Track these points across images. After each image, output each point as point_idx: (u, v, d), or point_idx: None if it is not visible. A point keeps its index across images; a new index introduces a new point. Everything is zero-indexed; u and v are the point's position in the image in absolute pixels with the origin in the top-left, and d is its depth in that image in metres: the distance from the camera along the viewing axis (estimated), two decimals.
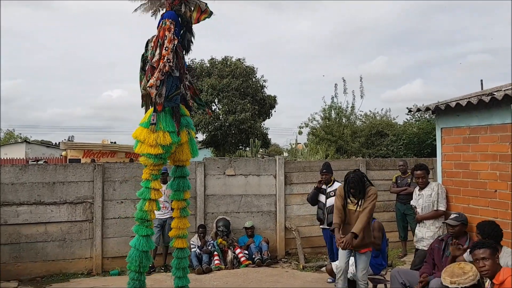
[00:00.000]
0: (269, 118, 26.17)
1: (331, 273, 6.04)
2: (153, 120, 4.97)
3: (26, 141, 34.47)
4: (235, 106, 23.20)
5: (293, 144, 23.56)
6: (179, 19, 5.12)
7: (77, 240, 7.87)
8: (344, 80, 19.60)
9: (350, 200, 5.20)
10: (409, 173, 8.76)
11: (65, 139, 29.87)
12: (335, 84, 19.69)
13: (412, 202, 6.08)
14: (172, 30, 4.99)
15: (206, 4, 5.30)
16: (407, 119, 21.30)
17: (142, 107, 5.47)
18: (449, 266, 4.40)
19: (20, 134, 46.25)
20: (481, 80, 11.72)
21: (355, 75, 46.12)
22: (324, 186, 7.23)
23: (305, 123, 20.71)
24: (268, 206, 8.92)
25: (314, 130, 20.08)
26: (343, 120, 19.89)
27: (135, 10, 5.46)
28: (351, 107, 19.84)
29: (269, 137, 26.65)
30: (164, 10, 5.35)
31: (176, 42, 5.02)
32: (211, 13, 5.33)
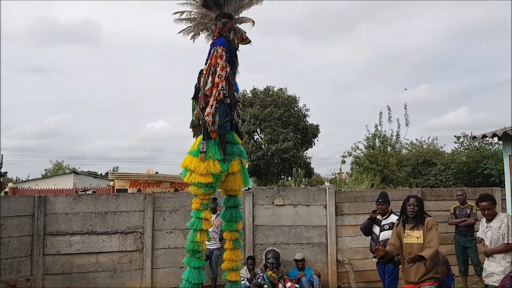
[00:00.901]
0: (311, 147, 26.03)
1: None
2: (203, 148, 4.92)
3: (74, 171, 35.62)
4: (278, 136, 23.17)
5: (336, 173, 23.18)
6: (228, 46, 5.14)
7: (127, 270, 7.85)
8: (388, 108, 19.18)
9: (406, 232, 4.91)
10: (468, 203, 8.33)
11: (110, 170, 30.67)
12: (380, 112, 19.26)
13: (478, 234, 5.68)
14: (224, 57, 5.00)
15: (245, 32, 5.37)
16: (455, 148, 20.61)
17: (193, 137, 5.45)
18: None
19: (68, 165, 47.98)
20: None
21: (396, 103, 45.50)
22: (379, 217, 6.87)
23: (348, 152, 20.32)
24: (319, 237, 8.64)
25: (358, 159, 19.67)
26: (388, 149, 19.39)
27: (179, 32, 5.53)
28: (396, 135, 19.34)
29: (311, 166, 26.38)
30: (208, 35, 5.41)
31: (228, 69, 5.02)
32: (249, 41, 5.37)
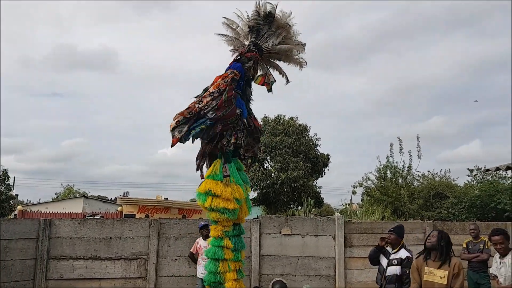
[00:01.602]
0: (322, 176, 25.80)
1: None
2: (226, 172, 4.79)
3: (84, 196, 35.67)
4: (288, 164, 23.06)
5: (347, 204, 22.88)
6: (245, 73, 5.09)
7: None
8: (400, 139, 19.05)
9: (428, 268, 4.67)
10: (481, 238, 8.08)
11: (120, 195, 30.64)
12: (391, 144, 19.17)
13: (491, 271, 5.47)
14: (229, 78, 4.92)
15: (274, 81, 5.33)
16: (468, 181, 20.30)
17: (197, 170, 5.34)
18: None
19: (79, 189, 48.14)
20: None
21: (408, 134, 45.12)
22: (389, 249, 6.55)
23: (359, 183, 20.14)
24: (327, 269, 8.41)
25: (369, 190, 19.46)
26: (400, 180, 19.17)
27: (221, 35, 5.50)
28: (408, 167, 19.13)
29: (321, 196, 26.11)
30: (233, 50, 5.38)
31: (226, 89, 4.91)
32: (269, 90, 5.32)
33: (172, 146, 4.78)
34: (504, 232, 5.28)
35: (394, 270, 6.12)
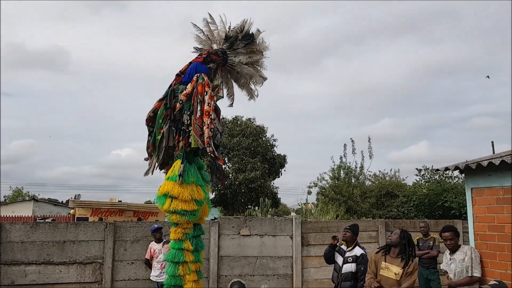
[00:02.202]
0: (278, 177, 26.03)
1: None
2: (180, 171, 4.71)
3: (34, 199, 34.26)
4: (245, 165, 23.12)
5: (303, 203, 23.21)
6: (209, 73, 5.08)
7: None
8: (352, 141, 19.56)
9: (385, 263, 4.84)
10: (431, 235, 8.44)
11: (71, 198, 29.62)
12: (344, 144, 19.64)
13: (442, 267, 5.73)
14: (211, 86, 4.91)
15: (222, 97, 5.34)
16: (416, 180, 21.08)
17: (148, 159, 5.25)
18: None
19: (28, 192, 46.16)
20: (492, 142, 11.36)
21: (360, 136, 46.41)
22: (343, 247, 6.71)
23: (314, 183, 20.49)
24: (284, 268, 8.54)
25: (323, 190, 19.83)
26: (352, 180, 19.68)
27: (197, 27, 5.42)
28: (360, 167, 19.69)
29: (278, 196, 26.34)
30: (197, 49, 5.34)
31: (216, 98, 4.92)
32: (218, 98, 5.32)
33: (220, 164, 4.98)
34: (454, 229, 5.54)
35: (349, 267, 6.28)
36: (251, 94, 5.51)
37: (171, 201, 4.70)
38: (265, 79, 5.45)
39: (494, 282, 4.74)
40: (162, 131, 5.07)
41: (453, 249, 5.47)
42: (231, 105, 5.62)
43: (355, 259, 6.28)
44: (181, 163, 4.82)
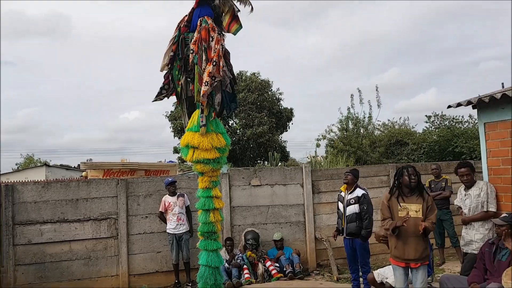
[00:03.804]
0: (286, 131, 25.94)
1: (374, 282, 5.68)
2: (202, 121, 4.66)
3: (46, 164, 34.70)
4: (253, 120, 23.03)
5: (312, 156, 23.22)
6: (214, 14, 4.84)
7: (102, 257, 7.64)
8: (359, 91, 19.28)
9: (401, 205, 4.72)
10: (443, 176, 8.41)
11: (82, 162, 29.86)
12: (351, 95, 19.38)
13: (456, 202, 5.69)
14: (216, 29, 4.69)
15: (239, 10, 4.98)
16: (426, 127, 20.97)
17: (179, 106, 5.13)
18: (509, 268, 4.04)
19: (40, 158, 46.73)
20: (502, 84, 10.84)
21: (367, 87, 45.85)
22: (342, 194, 6.75)
23: (322, 135, 20.43)
24: (296, 216, 8.60)
25: (332, 142, 19.77)
26: (361, 131, 19.55)
27: None
28: (369, 117, 19.50)
29: (287, 150, 26.36)
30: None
31: (223, 42, 4.71)
32: (240, 26, 5.00)
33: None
34: (470, 165, 5.45)
35: (353, 208, 6.39)
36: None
37: (194, 152, 4.68)
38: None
39: (505, 214, 4.71)
40: (180, 82, 4.98)
41: (469, 185, 5.40)
42: (251, 10, 5.12)
43: (357, 200, 6.39)
44: (201, 113, 4.73)
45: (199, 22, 4.71)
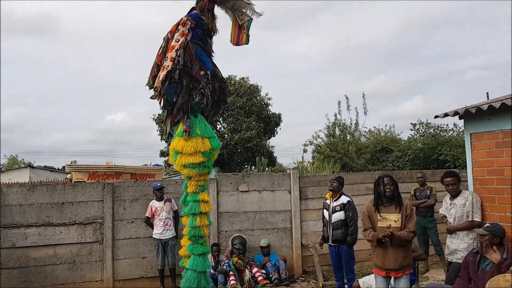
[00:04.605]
0: (274, 136, 25.97)
1: None
2: (185, 125, 4.64)
3: (30, 166, 34.21)
4: (241, 124, 23.03)
5: (298, 162, 23.29)
6: (203, 22, 4.82)
7: (87, 262, 7.56)
8: (347, 97, 19.47)
9: (381, 215, 4.80)
10: (428, 185, 8.51)
11: (68, 164, 29.52)
12: (339, 102, 19.54)
13: (441, 211, 5.76)
14: (188, 25, 4.64)
15: (249, 20, 4.92)
16: (411, 135, 21.16)
17: (155, 98, 5.09)
18: (493, 278, 4.11)
19: (23, 159, 46.05)
20: (487, 93, 10.93)
21: (355, 93, 46.16)
22: (328, 201, 6.81)
23: (309, 141, 20.51)
24: (283, 222, 8.62)
25: (319, 148, 19.86)
26: (348, 137, 19.70)
27: None
28: (355, 123, 19.68)
29: (274, 155, 26.39)
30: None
31: (189, 37, 4.65)
32: (248, 36, 4.98)
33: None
34: (456, 174, 5.54)
35: (338, 215, 6.45)
36: (249, 12, 5.02)
37: (180, 157, 4.67)
38: (259, 14, 5.09)
39: (488, 224, 4.79)
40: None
41: (455, 194, 5.48)
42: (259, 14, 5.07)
43: (343, 207, 6.45)
44: (186, 118, 4.71)
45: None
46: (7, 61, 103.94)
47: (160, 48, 4.61)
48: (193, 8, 4.87)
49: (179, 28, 4.52)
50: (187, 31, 4.52)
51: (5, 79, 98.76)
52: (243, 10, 5.02)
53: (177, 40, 4.45)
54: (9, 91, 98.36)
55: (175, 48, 4.41)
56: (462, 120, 5.61)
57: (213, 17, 4.91)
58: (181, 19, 4.60)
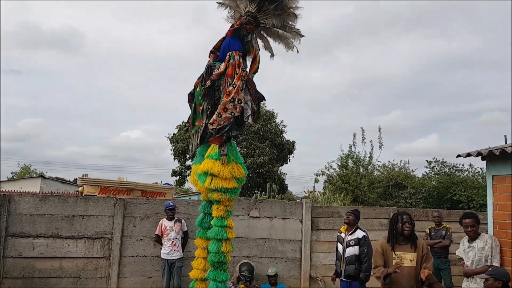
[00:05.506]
0: (286, 163, 25.86)
1: None
2: (223, 151, 4.68)
3: (42, 176, 34.42)
4: (254, 150, 23.01)
5: (310, 191, 23.08)
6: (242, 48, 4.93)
7: (92, 278, 7.47)
8: (362, 130, 19.41)
9: (395, 254, 4.67)
10: (444, 224, 8.32)
11: (79, 177, 29.68)
12: (354, 133, 19.46)
13: (458, 253, 5.58)
14: (242, 65, 4.77)
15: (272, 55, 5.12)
16: (426, 172, 20.84)
17: (185, 131, 5.26)
18: None
19: (36, 169, 46.48)
20: (505, 136, 10.72)
21: (370, 127, 45.93)
22: (342, 235, 6.64)
23: (321, 171, 20.36)
24: (293, 252, 8.46)
25: (331, 178, 19.70)
26: (361, 170, 19.51)
27: (220, 3, 5.31)
28: (369, 157, 19.51)
29: (285, 182, 26.22)
30: (230, 15, 5.17)
31: (246, 77, 4.79)
32: (257, 70, 5.13)
33: (216, 144, 4.80)
34: (476, 216, 5.37)
35: (352, 250, 6.26)
36: (290, 47, 5.30)
37: (212, 179, 4.67)
38: (301, 36, 5.25)
39: (490, 268, 4.63)
40: (201, 108, 5.05)
41: (473, 237, 5.31)
42: (272, 56, 5.39)
43: (358, 242, 6.26)
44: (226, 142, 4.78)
45: (228, 56, 4.80)
46: (30, 72, 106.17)
47: (200, 76, 4.76)
48: (236, 27, 4.96)
49: (237, 71, 4.64)
50: (243, 72, 4.64)
51: (26, 90, 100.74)
52: (284, 39, 5.16)
53: (234, 85, 4.61)
54: (29, 102, 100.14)
55: (237, 99, 4.57)
56: (481, 161, 5.51)
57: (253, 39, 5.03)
58: (233, 58, 4.69)
